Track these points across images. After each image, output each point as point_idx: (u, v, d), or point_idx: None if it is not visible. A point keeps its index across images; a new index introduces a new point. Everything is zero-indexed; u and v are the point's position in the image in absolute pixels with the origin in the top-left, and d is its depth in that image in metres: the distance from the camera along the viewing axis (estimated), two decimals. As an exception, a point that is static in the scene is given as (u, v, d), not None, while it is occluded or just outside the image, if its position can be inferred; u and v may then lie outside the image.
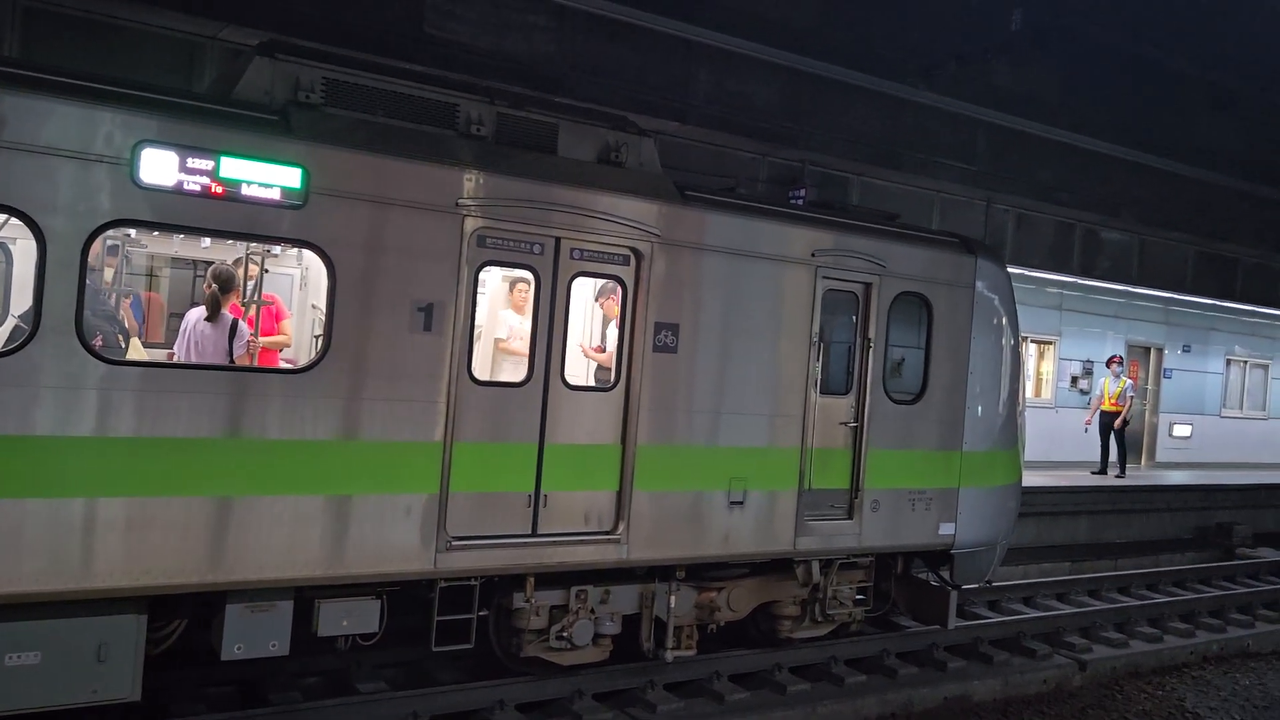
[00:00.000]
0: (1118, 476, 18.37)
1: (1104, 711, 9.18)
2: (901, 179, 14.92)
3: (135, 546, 5.64)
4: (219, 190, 5.79)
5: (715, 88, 12.36)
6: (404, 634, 7.59)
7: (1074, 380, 19.19)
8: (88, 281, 5.59)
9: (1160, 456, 22.30)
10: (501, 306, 8.43)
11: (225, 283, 6.91)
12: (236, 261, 7.43)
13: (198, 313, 6.87)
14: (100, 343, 6.16)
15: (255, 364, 7.02)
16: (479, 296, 8.84)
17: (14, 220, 5.43)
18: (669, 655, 7.92)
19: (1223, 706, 9.60)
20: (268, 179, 5.93)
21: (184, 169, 5.69)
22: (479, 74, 9.86)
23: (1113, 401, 18.44)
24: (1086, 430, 18.74)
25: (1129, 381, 18.73)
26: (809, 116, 13.22)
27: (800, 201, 12.45)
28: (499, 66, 10.51)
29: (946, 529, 9.00)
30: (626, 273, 7.38)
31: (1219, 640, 11.40)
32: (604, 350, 8.20)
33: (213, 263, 7.54)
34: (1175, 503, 17.91)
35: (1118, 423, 18.35)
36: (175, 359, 7.11)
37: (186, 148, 5.70)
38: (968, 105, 14.63)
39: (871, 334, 8.58)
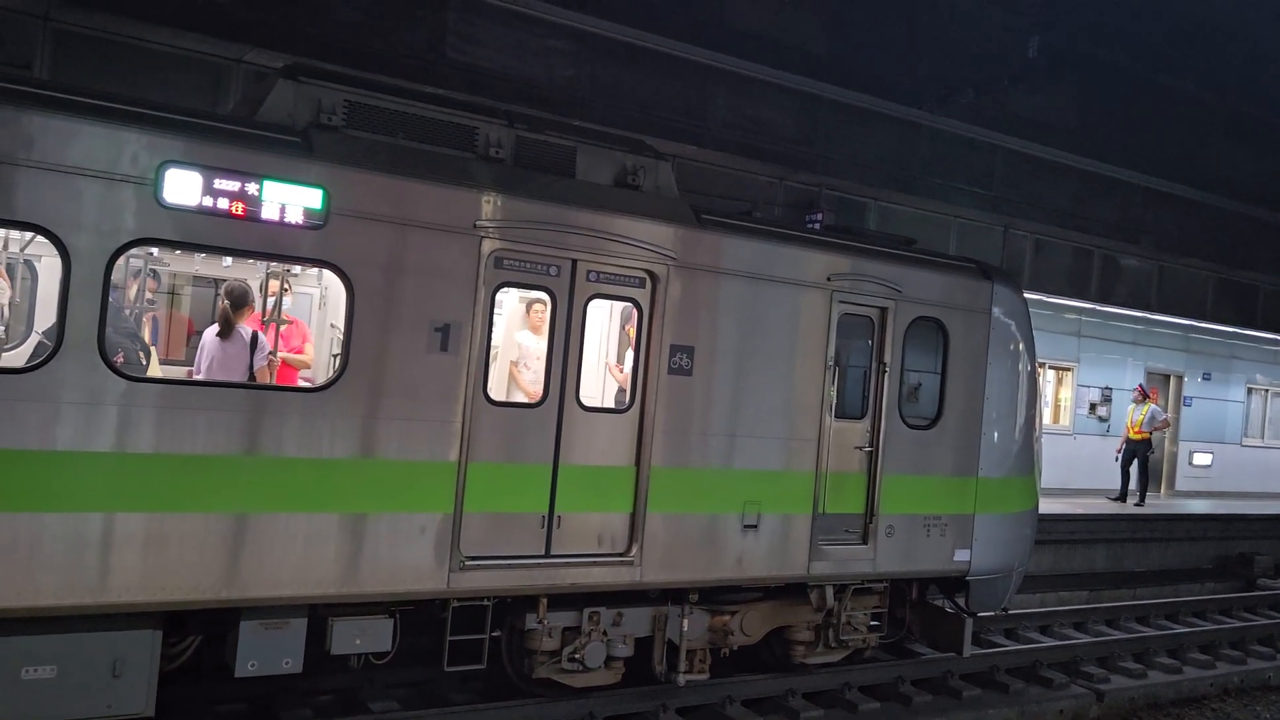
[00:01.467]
0: (1136, 505, 18.21)
1: (1121, 743, 9.08)
2: (919, 204, 14.95)
3: (152, 562, 5.68)
4: (241, 211, 5.87)
5: (732, 112, 12.45)
6: (417, 653, 7.59)
7: (1092, 407, 19.08)
8: (110, 299, 5.67)
9: (1180, 485, 22.08)
10: (518, 328, 8.46)
11: (238, 299, 6.97)
12: (270, 278, 7.49)
13: (213, 329, 6.94)
14: (122, 359, 6.23)
15: (275, 380, 7.07)
16: (497, 318, 9.01)
17: (40, 238, 5.52)
18: (681, 679, 7.89)
19: (1243, 739, 9.48)
20: (290, 200, 6.00)
21: (207, 190, 5.78)
22: (499, 97, 9.97)
23: (1137, 430, 18.33)
24: (1117, 459, 18.65)
25: (1154, 406, 18.61)
26: (825, 141, 13.29)
27: (817, 226, 12.47)
28: (519, 90, 10.63)
29: (962, 555, 8.95)
30: (642, 295, 7.41)
31: (1239, 672, 11.25)
32: (625, 372, 8.23)
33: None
34: (1195, 532, 17.73)
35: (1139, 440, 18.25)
36: (195, 377, 7.17)
37: (210, 168, 5.79)
38: (984, 131, 14.68)
39: (887, 358, 8.57)
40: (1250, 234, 19.03)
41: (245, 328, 6.91)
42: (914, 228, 13.44)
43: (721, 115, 12.41)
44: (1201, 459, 22.45)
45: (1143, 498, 18.53)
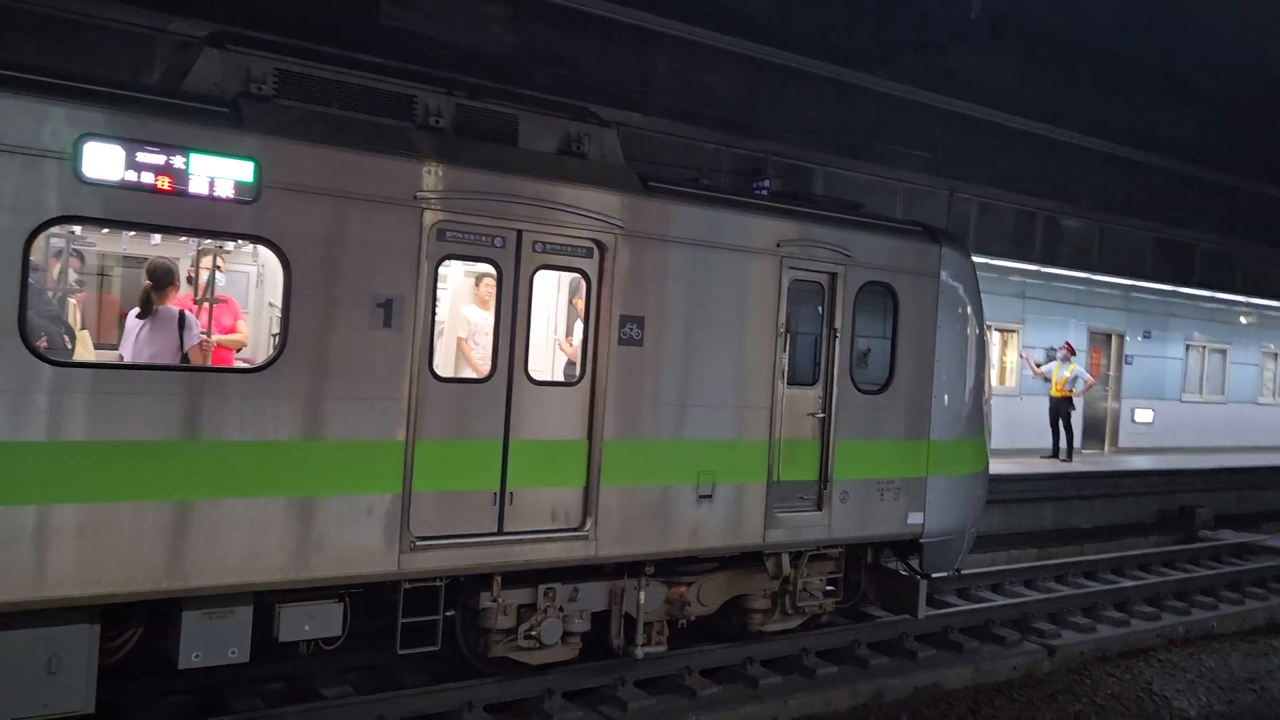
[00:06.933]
0: (1064, 461, 18.52)
1: (1073, 696, 9.22)
2: (865, 169, 14.92)
3: (85, 554, 5.45)
4: (168, 185, 5.61)
5: (674, 78, 12.28)
6: (370, 636, 7.44)
7: (1038, 365, 19.35)
8: (31, 281, 5.40)
9: (1123, 442, 22.53)
10: (466, 303, 8.29)
11: (161, 278, 6.70)
12: (201, 255, 7.22)
13: (135, 310, 6.66)
14: (45, 344, 5.96)
15: (209, 363, 6.83)
16: (442, 291, 8.80)
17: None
18: (639, 652, 7.84)
19: (1189, 688, 9.68)
20: (219, 173, 5.76)
21: (130, 164, 5.51)
22: (440, 66, 9.68)
23: (1060, 388, 18.60)
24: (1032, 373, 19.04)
25: (1079, 368, 18.90)
26: (769, 106, 13.17)
27: (765, 192, 12.38)
28: (459, 59, 10.35)
29: (915, 518, 8.99)
30: (590, 265, 7.27)
31: (1184, 623, 11.51)
32: (574, 345, 8.10)
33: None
34: (1139, 487, 18.11)
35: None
36: (123, 360, 6.90)
37: (133, 141, 5.52)
38: (928, 94, 14.66)
39: (838, 324, 8.53)
40: (1188, 193, 19.33)
41: (170, 307, 6.64)
42: (861, 193, 13.41)
43: (664, 81, 12.22)
44: (1143, 415, 22.91)
45: (1070, 454, 18.83)
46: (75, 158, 5.37)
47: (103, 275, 8.54)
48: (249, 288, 8.47)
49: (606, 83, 11.81)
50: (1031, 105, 15.79)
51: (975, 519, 9.68)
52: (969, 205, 16.82)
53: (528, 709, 7.44)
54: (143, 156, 5.53)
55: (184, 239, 7.11)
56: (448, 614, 7.11)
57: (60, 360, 5.68)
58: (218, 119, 5.90)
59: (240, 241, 6.43)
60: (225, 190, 5.78)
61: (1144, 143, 17.79)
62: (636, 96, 12.07)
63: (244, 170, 5.83)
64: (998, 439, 16.79)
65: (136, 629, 6.15)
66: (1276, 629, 12.13)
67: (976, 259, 10.10)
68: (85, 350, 7.16)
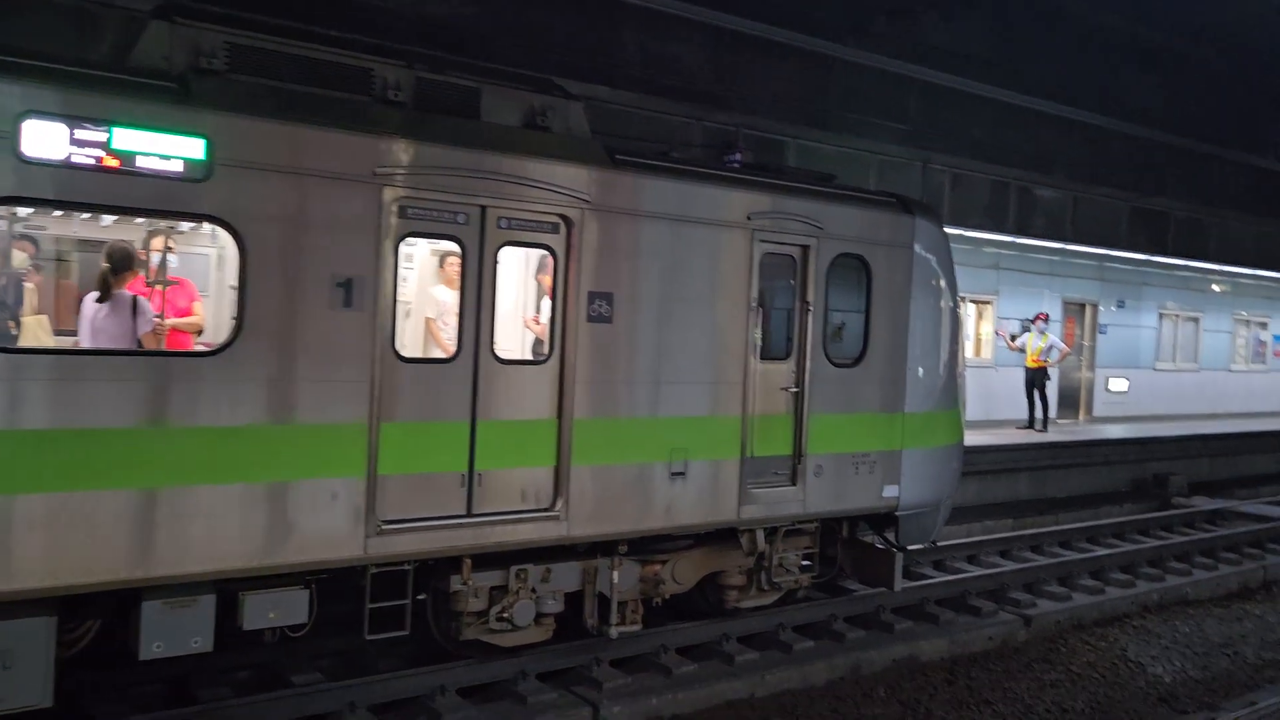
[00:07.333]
0: (1039, 431, 18.58)
1: (1049, 665, 9.24)
2: (838, 141, 14.80)
3: (41, 546, 5.30)
4: (113, 163, 5.42)
5: (642, 50, 12.10)
6: (341, 621, 7.32)
7: (1013, 338, 19.38)
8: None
9: (1097, 411, 22.65)
10: (433, 283, 8.13)
11: (120, 261, 6.51)
12: (151, 236, 7.02)
13: (93, 295, 6.48)
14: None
15: (165, 347, 6.65)
16: (409, 271, 8.62)
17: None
18: (614, 631, 7.76)
19: (1164, 654, 9.73)
20: (168, 150, 5.57)
21: (74, 141, 5.31)
22: (399, 39, 9.46)
23: (1035, 358, 18.64)
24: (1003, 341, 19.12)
25: (1053, 338, 18.94)
26: (738, 78, 13.02)
27: (737, 166, 12.24)
28: (420, 30, 10.12)
29: (890, 491, 8.94)
30: (556, 241, 7.13)
31: (1159, 589, 11.57)
32: (541, 323, 7.96)
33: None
34: (1113, 456, 18.20)
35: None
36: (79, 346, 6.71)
37: (75, 119, 5.32)
38: (899, 63, 14.55)
39: (810, 297, 8.43)
40: (1161, 161, 19.35)
41: (125, 292, 6.45)
42: (834, 165, 13.23)
43: (631, 53, 12.03)
44: (1117, 384, 23.02)
45: (1045, 424, 18.88)
46: (14, 136, 5.17)
47: (59, 260, 8.31)
48: (210, 270, 8.27)
49: (572, 55, 11.61)
50: (1003, 73, 15.71)
51: (951, 491, 9.65)
52: (943, 176, 16.76)
53: (502, 691, 7.36)
54: (86, 134, 5.34)
55: (137, 220, 6.91)
56: (420, 598, 7.00)
57: (4, 346, 5.50)
58: (164, 94, 5.70)
59: (193, 222, 6.22)
60: (175, 168, 5.60)
61: (1118, 111, 17.77)
62: (603, 69, 11.89)
63: (194, 147, 5.64)
64: (973, 410, 16.83)
65: (96, 621, 6.00)
66: (1250, 593, 12.24)
67: (951, 230, 10.04)
68: (43, 336, 6.95)
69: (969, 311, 19.99)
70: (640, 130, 12.45)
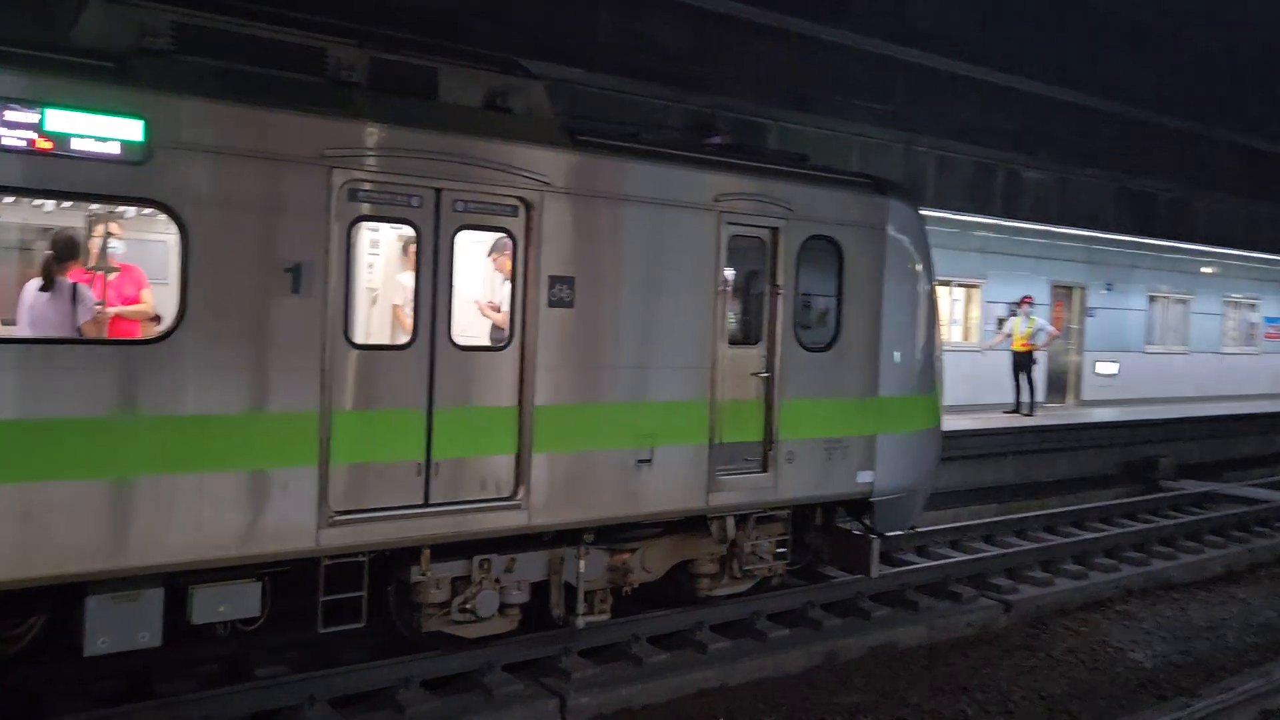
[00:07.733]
0: (1026, 415, 18.46)
1: (1029, 652, 9.12)
2: (819, 123, 14.64)
3: None
4: (46, 146, 5.25)
5: (618, 31, 11.93)
6: (304, 614, 7.18)
7: (1000, 323, 19.22)
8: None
9: (1087, 394, 22.50)
10: (399, 269, 7.96)
11: (63, 249, 6.35)
12: (92, 221, 6.85)
13: (35, 283, 6.32)
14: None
15: (107, 335, 6.49)
16: (375, 257, 8.45)
17: None
18: (580, 621, 7.63)
19: (1145, 639, 9.62)
20: (103, 132, 5.40)
21: (3, 123, 5.14)
22: (363, 19, 9.28)
23: (1023, 342, 18.51)
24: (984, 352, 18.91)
25: (1040, 320, 18.80)
26: (718, 59, 12.85)
27: (715, 147, 12.07)
28: (383, 11, 9.93)
29: (865, 477, 8.81)
30: (515, 224, 6.97)
31: (1142, 574, 11.45)
32: (500, 310, 7.80)
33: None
34: (1102, 439, 18.08)
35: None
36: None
37: (4, 99, 5.15)
38: (882, 43, 14.36)
39: (780, 281, 8.27)
40: (1149, 142, 19.19)
41: (66, 280, 6.29)
42: (816, 148, 13.08)
43: (607, 35, 11.85)
44: (1106, 368, 22.87)
45: (1032, 408, 18.76)
46: (-60, 117, 5.01)
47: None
48: (168, 257, 8.09)
49: (549, 37, 11.43)
50: (988, 53, 15.54)
51: (928, 476, 9.52)
52: (927, 159, 16.59)
53: (468, 683, 7.23)
54: (17, 115, 5.17)
55: (89, 206, 6.74)
56: (386, 588, 6.85)
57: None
58: (100, 74, 5.53)
59: (132, 207, 6.06)
60: (111, 150, 5.43)
61: (1104, 91, 17.61)
62: (579, 51, 11.71)
63: (132, 129, 5.47)
64: (960, 395, 16.73)
65: (40, 617, 5.86)
66: (1234, 577, 12.12)
67: (936, 214, 9.89)
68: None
69: (959, 295, 19.83)
70: (618, 113, 12.28)
